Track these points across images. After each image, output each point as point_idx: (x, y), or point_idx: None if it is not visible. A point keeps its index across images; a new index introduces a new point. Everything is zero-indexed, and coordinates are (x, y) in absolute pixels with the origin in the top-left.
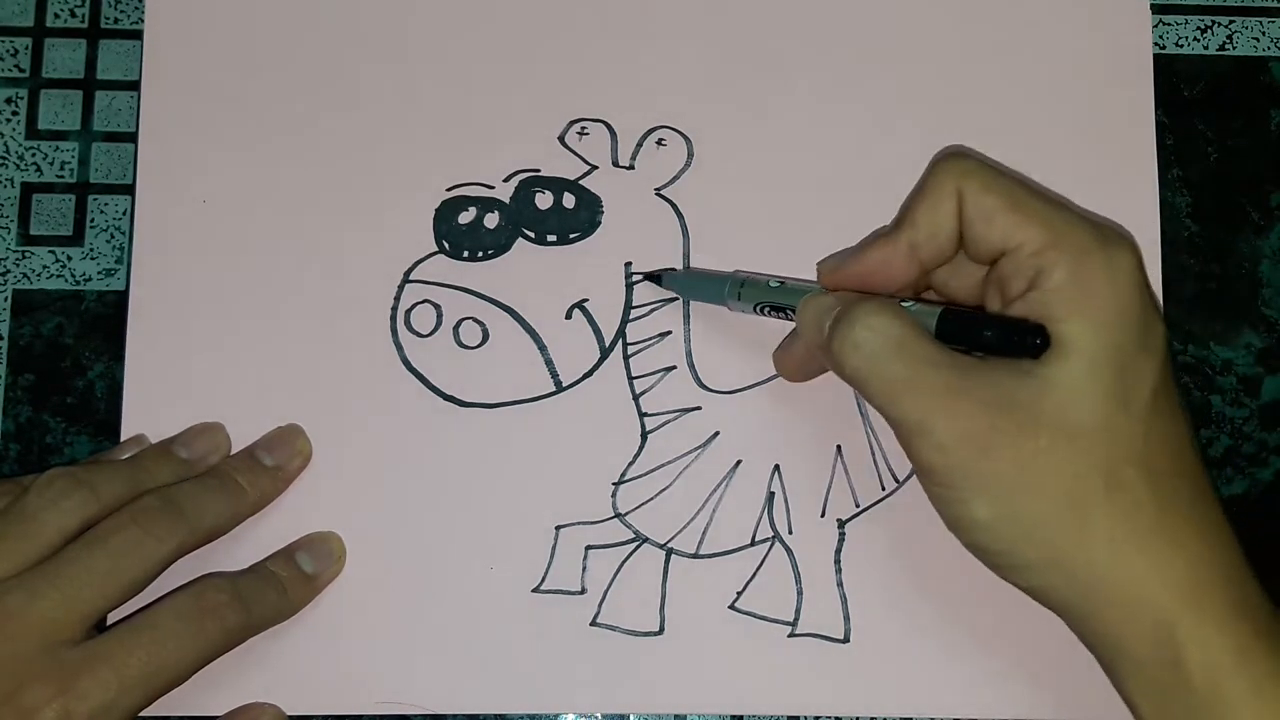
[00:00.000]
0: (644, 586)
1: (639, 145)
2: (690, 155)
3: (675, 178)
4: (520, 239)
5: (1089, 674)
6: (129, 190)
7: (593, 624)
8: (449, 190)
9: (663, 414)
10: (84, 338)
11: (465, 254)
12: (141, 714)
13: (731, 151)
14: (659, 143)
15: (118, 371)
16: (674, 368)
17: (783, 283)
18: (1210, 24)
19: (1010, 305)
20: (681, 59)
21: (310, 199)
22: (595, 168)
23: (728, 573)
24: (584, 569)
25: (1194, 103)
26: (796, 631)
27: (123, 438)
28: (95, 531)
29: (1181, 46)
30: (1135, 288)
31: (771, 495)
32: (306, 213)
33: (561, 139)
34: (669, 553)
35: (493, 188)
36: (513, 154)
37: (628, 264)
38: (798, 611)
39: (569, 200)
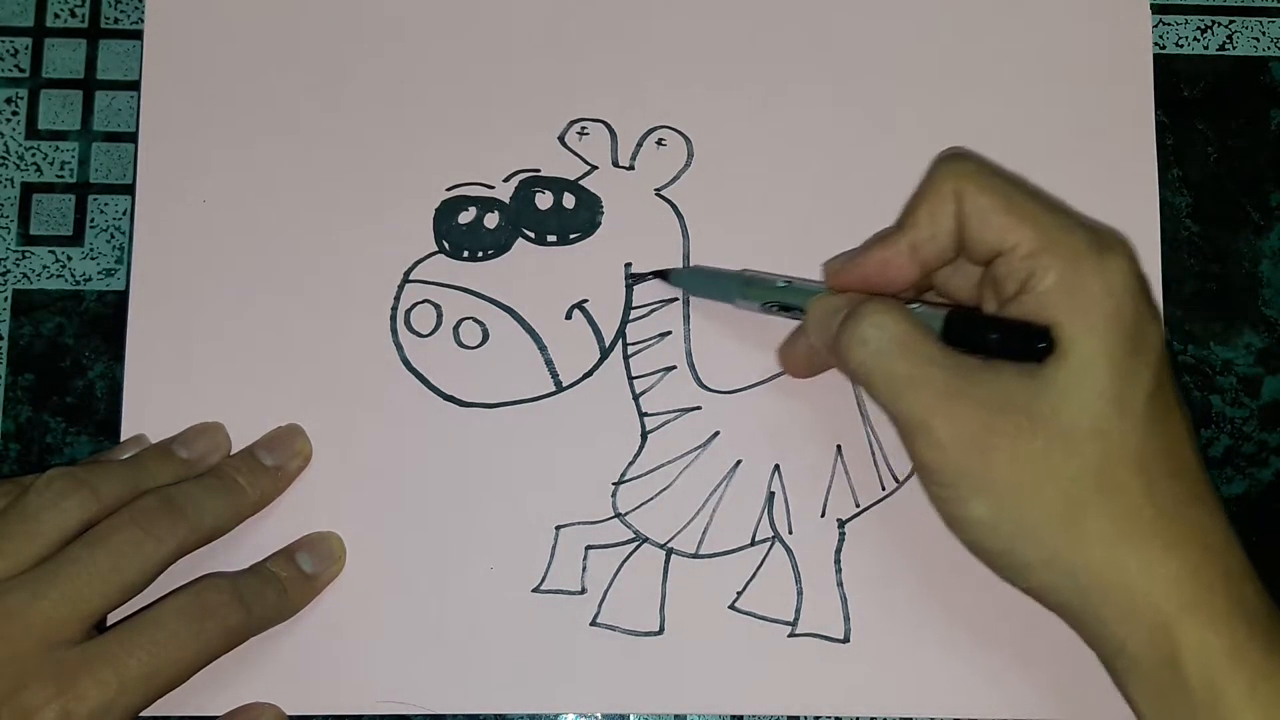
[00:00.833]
0: (644, 586)
1: (639, 145)
2: (690, 155)
3: (675, 178)
4: (520, 239)
5: (1089, 674)
6: (129, 190)
7: (593, 624)
8: (449, 190)
9: (663, 414)
10: (84, 338)
11: (465, 254)
12: (141, 714)
13: (731, 151)
14: (659, 143)
15: (118, 371)
16: (674, 368)
17: (789, 282)
18: (1210, 24)
19: (1004, 307)
20: (681, 59)
21: (310, 199)
22: (595, 168)
23: (728, 573)
24: (584, 569)
25: (1194, 103)
26: (796, 631)
27: (123, 438)
28: (96, 531)
29: (1181, 46)
30: (1128, 292)
31: (771, 495)
32: (306, 213)
33: (561, 139)
34: (669, 553)
35: (493, 188)
36: (513, 154)
37: (628, 264)
38: (798, 611)
39: (569, 200)
